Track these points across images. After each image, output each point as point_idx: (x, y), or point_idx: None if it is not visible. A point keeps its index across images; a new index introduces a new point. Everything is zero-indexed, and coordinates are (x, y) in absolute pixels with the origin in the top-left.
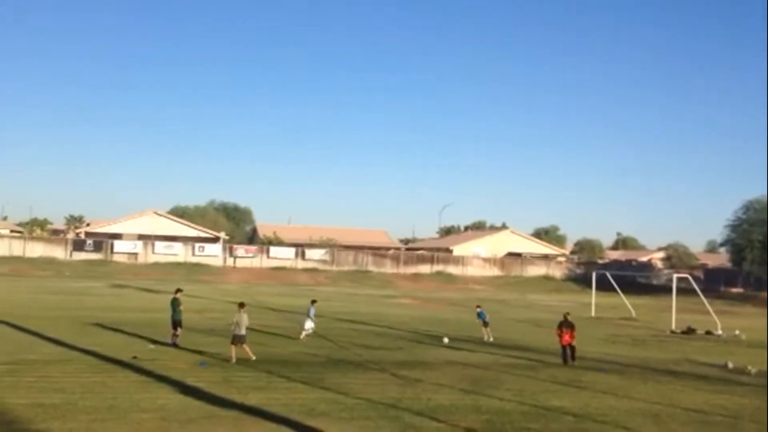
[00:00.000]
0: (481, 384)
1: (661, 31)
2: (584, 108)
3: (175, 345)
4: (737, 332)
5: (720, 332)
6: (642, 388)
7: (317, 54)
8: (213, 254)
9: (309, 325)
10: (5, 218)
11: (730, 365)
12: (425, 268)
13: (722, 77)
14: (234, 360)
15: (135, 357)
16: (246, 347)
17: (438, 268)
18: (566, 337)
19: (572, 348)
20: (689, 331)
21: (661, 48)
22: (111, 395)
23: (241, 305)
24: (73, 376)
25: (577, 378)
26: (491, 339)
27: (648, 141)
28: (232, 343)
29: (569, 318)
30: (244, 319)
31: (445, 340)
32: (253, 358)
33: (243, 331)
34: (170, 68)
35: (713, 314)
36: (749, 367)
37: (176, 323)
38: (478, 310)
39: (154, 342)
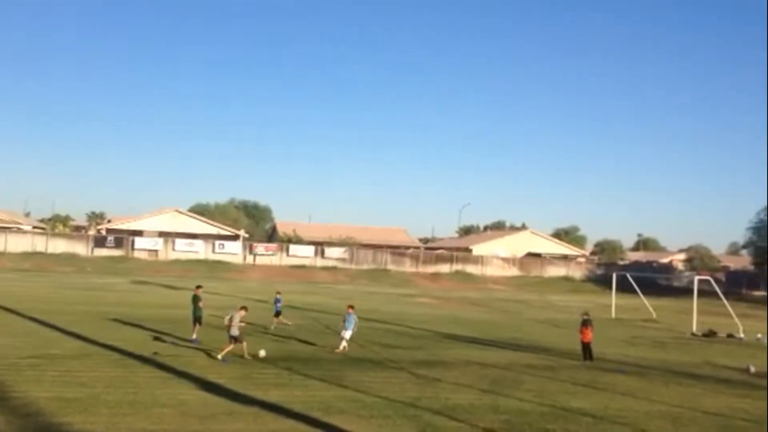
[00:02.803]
0: (500, 384)
1: (689, 30)
2: (605, 108)
3: (195, 341)
4: (759, 336)
5: (742, 335)
6: (662, 390)
7: (338, 53)
8: (233, 252)
9: (348, 334)
10: (28, 214)
11: (752, 369)
12: (444, 268)
13: (746, 78)
14: (247, 355)
15: (156, 353)
16: (233, 346)
17: (457, 267)
18: (587, 335)
19: (589, 345)
20: (710, 334)
21: (685, 48)
22: (132, 390)
23: (242, 308)
24: (95, 371)
25: (597, 379)
26: (273, 328)
27: (670, 142)
28: (236, 342)
29: (588, 317)
30: (236, 318)
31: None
32: (218, 358)
33: (236, 332)
34: (192, 66)
35: (735, 317)
36: None
37: (197, 320)
38: (278, 296)
39: (175, 338)
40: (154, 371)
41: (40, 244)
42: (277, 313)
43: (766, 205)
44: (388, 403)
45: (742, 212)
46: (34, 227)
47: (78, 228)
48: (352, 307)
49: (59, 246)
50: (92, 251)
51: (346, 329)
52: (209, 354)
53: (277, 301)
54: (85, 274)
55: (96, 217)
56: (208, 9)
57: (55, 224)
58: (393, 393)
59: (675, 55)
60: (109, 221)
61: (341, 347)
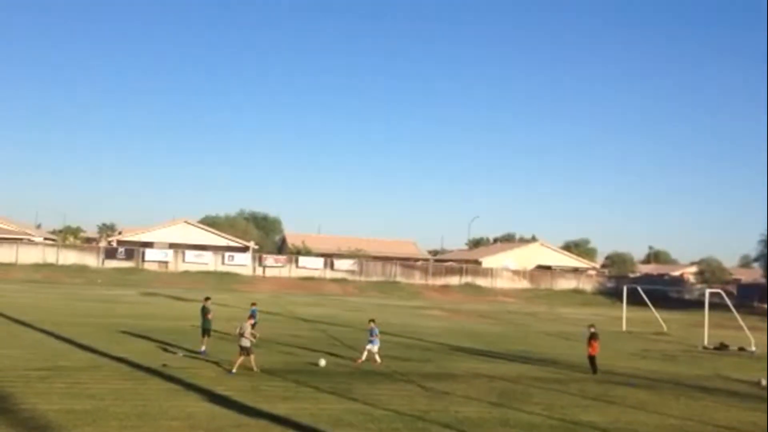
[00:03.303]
0: (509, 397)
1: (697, 40)
2: (615, 120)
3: (204, 353)
4: None
5: (754, 348)
6: (673, 404)
7: (346, 65)
8: (242, 263)
9: (375, 347)
10: (39, 226)
11: (764, 382)
12: (454, 280)
13: (757, 90)
14: (255, 368)
15: (165, 365)
16: (243, 358)
17: (467, 279)
18: (595, 348)
19: (593, 358)
20: (722, 347)
21: (695, 59)
22: (141, 402)
23: (250, 317)
24: (104, 383)
25: (607, 392)
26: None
27: (681, 154)
28: (245, 354)
29: (594, 330)
30: (247, 329)
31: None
32: (235, 370)
33: (247, 343)
34: (202, 79)
35: (746, 330)
36: None
37: (206, 331)
38: (253, 307)
39: (184, 350)
40: (163, 383)
41: (51, 255)
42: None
43: None
44: (397, 416)
45: (753, 225)
46: (45, 239)
47: (89, 239)
48: (373, 320)
49: (70, 257)
50: (103, 263)
51: (372, 343)
52: (223, 367)
53: (252, 311)
54: (95, 285)
55: (107, 229)
56: (220, 20)
57: (66, 236)
58: (402, 406)
59: (687, 68)
60: (119, 233)
61: (378, 360)
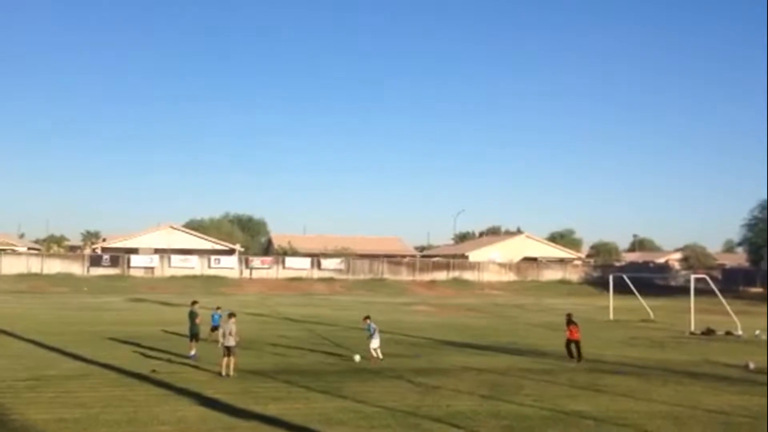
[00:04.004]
0: (499, 389)
1: (674, 28)
2: (597, 110)
3: (193, 357)
4: (758, 332)
5: (740, 332)
6: (662, 390)
7: (329, 62)
8: (229, 266)
9: (375, 344)
10: (22, 235)
11: (752, 366)
12: (441, 275)
13: (737, 75)
14: (225, 373)
15: (154, 370)
16: (233, 360)
17: (454, 274)
18: (575, 333)
19: (578, 344)
20: (709, 332)
21: (674, 47)
22: (131, 409)
23: (230, 315)
24: (93, 391)
25: (596, 381)
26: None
27: (663, 141)
28: (224, 355)
29: (572, 317)
30: (233, 328)
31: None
32: (232, 374)
33: (233, 342)
34: (183, 81)
35: (732, 314)
36: None
37: (194, 336)
38: (217, 311)
39: (173, 355)
40: (153, 389)
41: (36, 265)
42: (214, 328)
43: (760, 202)
44: (389, 413)
45: (736, 209)
46: (29, 248)
47: (73, 248)
48: (368, 317)
49: (54, 266)
50: (88, 270)
51: (372, 339)
52: (212, 371)
53: (214, 316)
54: (81, 293)
55: (91, 237)
56: (199, 23)
57: (50, 245)
58: (393, 402)
59: (666, 54)
60: (104, 240)
61: (376, 356)
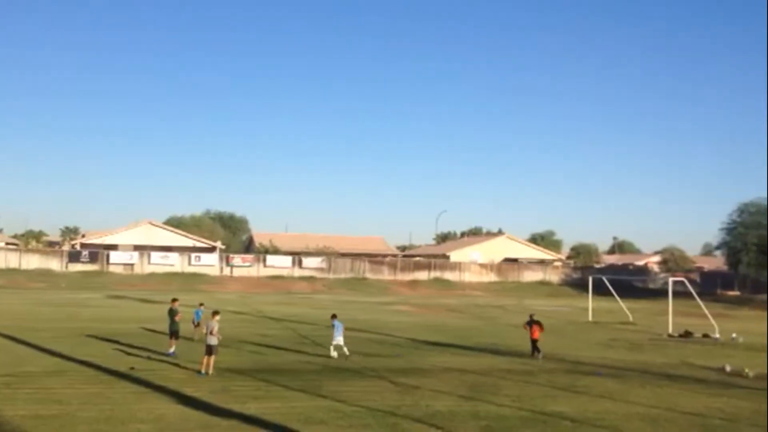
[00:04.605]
0: (479, 390)
1: (655, 32)
2: (578, 112)
3: (172, 355)
4: (734, 335)
5: (717, 335)
6: (640, 392)
7: (312, 61)
8: (209, 264)
9: (340, 340)
10: (0, 230)
11: (728, 368)
12: (422, 275)
13: (717, 80)
14: (204, 371)
15: (132, 368)
16: (213, 359)
17: (435, 274)
18: (536, 333)
19: (535, 342)
20: (686, 335)
21: (655, 50)
22: (109, 406)
23: (215, 313)
24: (70, 388)
25: (575, 383)
26: (196, 339)
27: (643, 145)
28: (207, 354)
29: (535, 317)
30: (216, 327)
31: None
32: (210, 372)
33: (214, 341)
34: (165, 78)
35: (710, 317)
36: (747, 370)
37: (173, 333)
38: (200, 308)
39: (152, 352)
40: (131, 386)
41: (14, 260)
42: (197, 324)
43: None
44: (368, 412)
45: (715, 214)
46: (7, 243)
47: (51, 243)
48: (335, 315)
49: (33, 262)
50: (66, 266)
51: (335, 335)
52: (192, 369)
53: (197, 312)
54: (59, 289)
55: (70, 232)
56: (182, 22)
57: (29, 240)
58: (372, 402)
59: (650, 58)
60: (83, 236)
61: (339, 352)
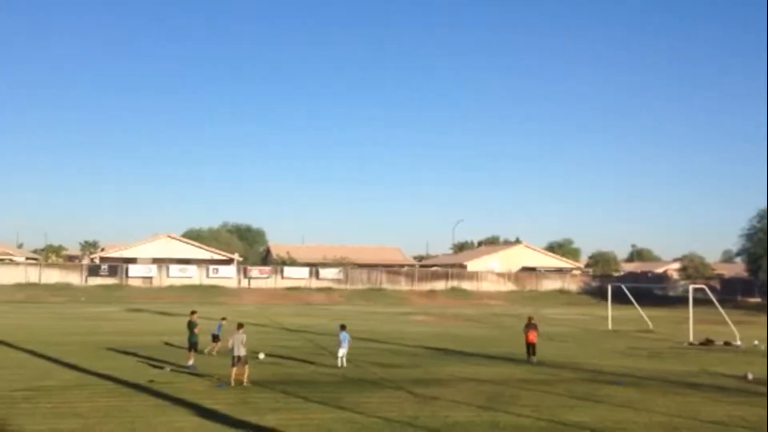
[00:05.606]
0: (497, 400)
1: (678, 37)
2: (596, 120)
3: (192, 368)
4: (756, 342)
5: (739, 343)
6: (661, 401)
7: (327, 72)
8: (227, 276)
9: (341, 352)
10: (21, 245)
11: (750, 376)
12: (440, 285)
13: (737, 86)
14: (233, 383)
15: (152, 380)
16: (245, 369)
17: (452, 284)
18: (531, 337)
19: (533, 346)
20: (707, 343)
21: (674, 56)
22: (128, 419)
23: (240, 326)
24: (90, 401)
25: (594, 392)
26: (215, 353)
27: (661, 151)
28: (233, 365)
29: (533, 321)
30: (243, 339)
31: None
32: (246, 383)
33: (243, 352)
34: (183, 93)
35: (731, 324)
36: None
37: (192, 346)
38: (221, 322)
39: (171, 365)
40: (150, 399)
41: (34, 275)
42: (215, 338)
43: (759, 212)
44: (386, 423)
45: (734, 220)
46: (27, 258)
47: (71, 257)
48: (344, 326)
49: (53, 276)
50: (86, 280)
51: (341, 347)
52: (212, 380)
53: (218, 326)
54: (79, 303)
55: (89, 246)
56: (195, 30)
57: (48, 254)
58: (391, 413)
59: (665, 63)
60: (102, 249)
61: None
